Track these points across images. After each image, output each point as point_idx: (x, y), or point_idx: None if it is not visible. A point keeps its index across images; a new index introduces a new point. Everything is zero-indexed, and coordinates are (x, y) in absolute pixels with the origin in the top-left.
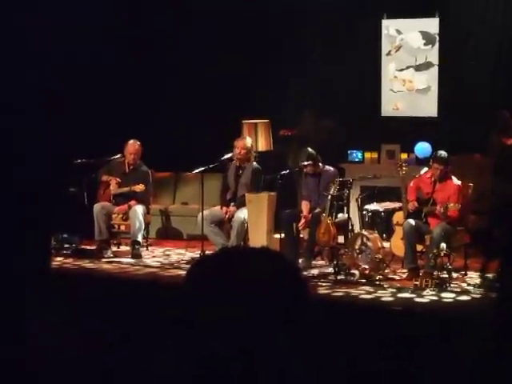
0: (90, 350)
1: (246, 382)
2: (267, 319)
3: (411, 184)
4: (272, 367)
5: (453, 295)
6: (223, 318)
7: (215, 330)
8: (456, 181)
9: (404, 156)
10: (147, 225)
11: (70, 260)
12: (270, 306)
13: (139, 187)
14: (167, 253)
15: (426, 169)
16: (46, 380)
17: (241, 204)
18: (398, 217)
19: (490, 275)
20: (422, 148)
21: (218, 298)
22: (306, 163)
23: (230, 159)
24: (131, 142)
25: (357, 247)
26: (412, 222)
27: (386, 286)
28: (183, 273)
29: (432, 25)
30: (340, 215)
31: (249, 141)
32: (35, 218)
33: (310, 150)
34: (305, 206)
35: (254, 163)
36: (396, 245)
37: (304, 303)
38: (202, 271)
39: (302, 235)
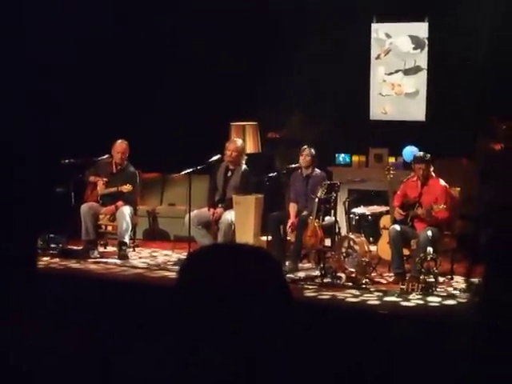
0: (76, 351)
1: (236, 379)
2: (257, 317)
3: (398, 192)
4: (262, 365)
5: (439, 299)
6: (212, 315)
7: (204, 326)
8: (442, 182)
9: (392, 160)
10: (134, 226)
11: (56, 260)
12: (260, 303)
13: (126, 187)
14: (154, 254)
15: (413, 173)
16: (29, 380)
17: (228, 206)
18: (385, 220)
19: (475, 280)
20: (410, 152)
21: (208, 294)
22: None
23: (219, 161)
24: (119, 141)
25: (343, 250)
26: (397, 227)
27: (372, 289)
28: (170, 274)
29: (421, 29)
30: (327, 218)
31: (240, 143)
32: (22, 217)
33: (312, 149)
34: (292, 208)
35: (244, 166)
36: (383, 248)
37: (290, 301)
38: (193, 267)
39: (289, 238)
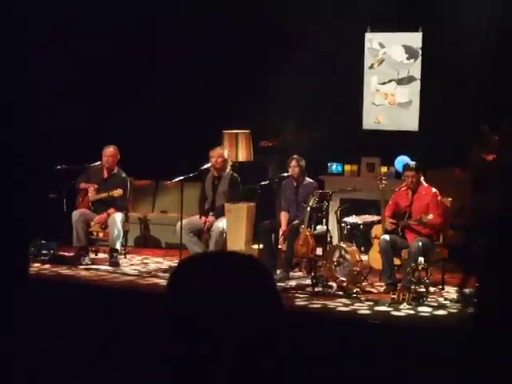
0: (66, 355)
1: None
2: (247, 325)
3: (390, 201)
4: (253, 373)
5: (430, 309)
6: (202, 323)
7: (194, 333)
8: (433, 189)
9: (384, 169)
10: (126, 233)
11: (47, 266)
12: (250, 312)
13: (117, 192)
14: (145, 261)
15: (404, 183)
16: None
17: (220, 214)
18: (377, 230)
19: (467, 290)
20: (403, 162)
21: (198, 301)
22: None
23: (209, 169)
24: (108, 146)
25: (335, 259)
26: (387, 237)
27: (363, 298)
28: (161, 281)
29: (415, 39)
30: (319, 227)
31: (224, 150)
32: (14, 223)
33: (300, 160)
34: (284, 216)
35: (231, 172)
36: (374, 258)
37: (281, 310)
38: (184, 274)
39: (280, 246)
